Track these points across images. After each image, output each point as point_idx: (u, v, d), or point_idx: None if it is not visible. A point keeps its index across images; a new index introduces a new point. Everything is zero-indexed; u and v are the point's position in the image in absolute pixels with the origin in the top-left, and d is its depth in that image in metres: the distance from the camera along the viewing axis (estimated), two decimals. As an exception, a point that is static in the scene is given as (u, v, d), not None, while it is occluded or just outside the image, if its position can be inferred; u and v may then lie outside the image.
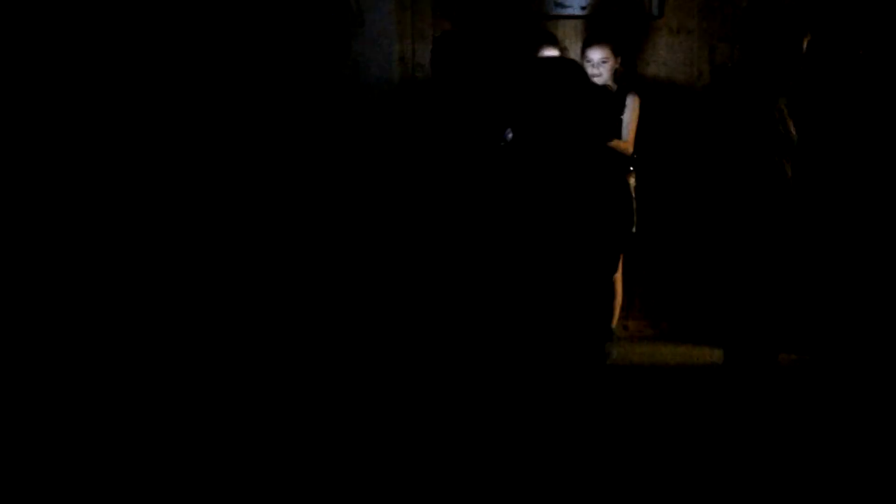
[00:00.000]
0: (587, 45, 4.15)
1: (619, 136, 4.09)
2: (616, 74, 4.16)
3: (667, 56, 4.51)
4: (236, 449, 3.16)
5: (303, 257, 4.42)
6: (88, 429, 3.31)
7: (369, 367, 3.96)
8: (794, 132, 3.56)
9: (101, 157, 4.35)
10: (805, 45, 3.38)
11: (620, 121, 4.12)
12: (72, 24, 4.33)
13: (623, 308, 4.31)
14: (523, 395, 2.58)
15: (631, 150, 4.11)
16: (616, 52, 4.14)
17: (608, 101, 4.09)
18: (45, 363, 3.86)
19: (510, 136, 4.10)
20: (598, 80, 4.01)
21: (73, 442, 3.21)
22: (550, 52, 4.16)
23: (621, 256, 3.53)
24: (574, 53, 4.42)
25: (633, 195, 4.07)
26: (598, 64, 4.08)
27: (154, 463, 3.05)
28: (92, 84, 4.34)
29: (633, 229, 3.96)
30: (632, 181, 4.11)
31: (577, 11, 4.49)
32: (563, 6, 4.49)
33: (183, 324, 4.18)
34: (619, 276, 4.11)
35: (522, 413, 2.58)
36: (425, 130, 3.93)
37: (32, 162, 4.24)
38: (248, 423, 3.39)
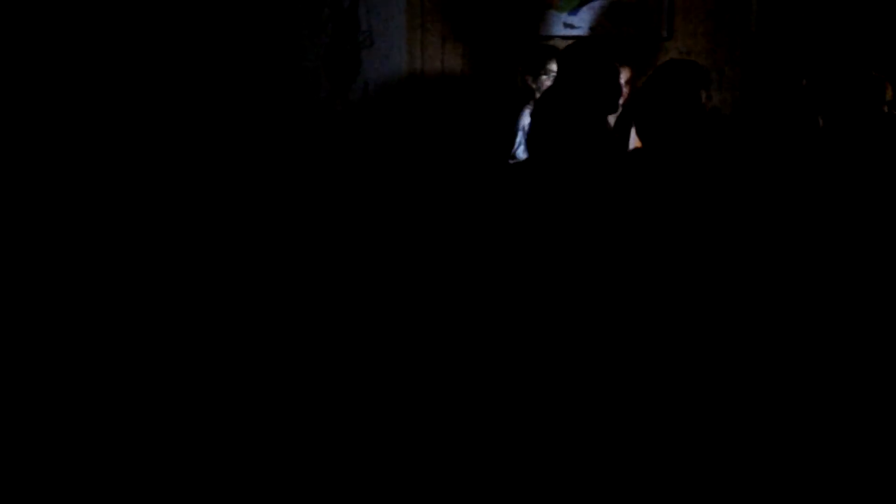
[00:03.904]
0: (608, 65, 4.18)
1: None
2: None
3: (675, 77, 4.58)
4: (236, 449, 3.06)
5: (311, 270, 4.35)
6: (88, 429, 3.18)
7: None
8: None
9: (100, 157, 4.24)
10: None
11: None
12: (67, 26, 4.22)
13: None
14: None
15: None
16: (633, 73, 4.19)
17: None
18: (44, 363, 3.71)
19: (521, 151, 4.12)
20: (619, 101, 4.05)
21: (73, 442, 3.09)
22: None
23: None
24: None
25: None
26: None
27: (154, 463, 2.96)
28: (93, 85, 4.24)
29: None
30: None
31: (586, 32, 4.52)
32: (572, 27, 4.52)
33: (181, 323, 4.06)
34: None
35: None
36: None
37: (22, 163, 4.14)
38: (248, 423, 3.27)
